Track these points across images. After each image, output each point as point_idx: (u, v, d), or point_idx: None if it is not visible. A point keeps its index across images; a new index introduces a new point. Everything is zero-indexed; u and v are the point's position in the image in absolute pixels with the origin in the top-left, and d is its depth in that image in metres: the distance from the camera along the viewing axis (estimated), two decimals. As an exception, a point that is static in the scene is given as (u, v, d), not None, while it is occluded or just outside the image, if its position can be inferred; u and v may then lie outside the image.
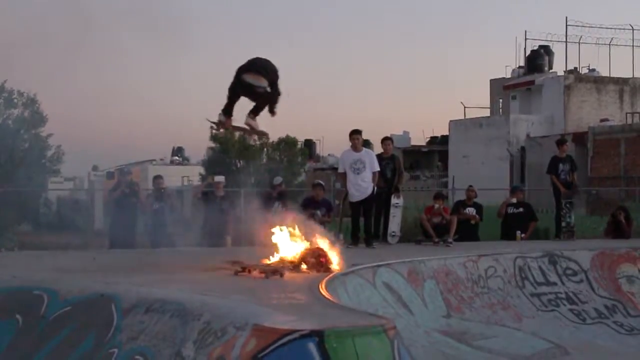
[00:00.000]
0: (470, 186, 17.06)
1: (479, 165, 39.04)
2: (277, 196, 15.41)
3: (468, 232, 15.98)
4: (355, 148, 14.07)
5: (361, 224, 14.35)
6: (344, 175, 14.24)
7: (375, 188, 14.07)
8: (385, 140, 15.55)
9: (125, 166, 16.67)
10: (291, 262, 9.61)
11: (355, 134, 14.11)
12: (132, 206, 14.98)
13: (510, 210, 16.80)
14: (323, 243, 9.81)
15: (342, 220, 15.66)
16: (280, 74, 10.51)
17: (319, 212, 15.08)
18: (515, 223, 16.56)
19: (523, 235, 16.37)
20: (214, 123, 10.89)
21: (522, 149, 39.05)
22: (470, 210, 16.34)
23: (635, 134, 34.12)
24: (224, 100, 10.55)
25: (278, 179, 16.16)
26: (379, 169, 14.17)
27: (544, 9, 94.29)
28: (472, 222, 16.25)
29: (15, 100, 51.07)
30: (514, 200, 16.98)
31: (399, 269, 11.22)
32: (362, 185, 13.96)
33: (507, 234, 16.58)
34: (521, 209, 16.86)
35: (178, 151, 61.72)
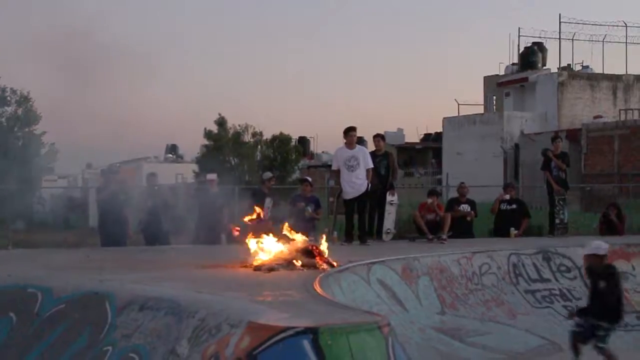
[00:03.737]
0: (462, 183, 17.08)
1: (473, 162, 39.06)
2: (268, 192, 15.43)
3: (463, 228, 15.99)
4: (349, 145, 14.07)
5: (355, 221, 14.36)
6: (337, 173, 14.23)
7: (370, 185, 14.08)
8: (376, 137, 15.55)
9: (113, 165, 16.57)
10: (285, 259, 9.61)
11: (350, 131, 14.11)
12: (121, 204, 14.91)
13: (504, 206, 16.82)
14: (314, 241, 9.84)
15: (336, 218, 15.68)
16: None
17: (309, 208, 15.12)
18: (509, 220, 16.58)
19: (516, 232, 16.40)
20: None
21: (516, 145, 39.09)
22: (465, 207, 16.35)
23: (629, 130, 34.17)
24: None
25: (268, 174, 16.20)
26: (372, 166, 14.18)
27: (537, 6, 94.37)
28: (468, 218, 16.27)
29: (9, 98, 50.91)
30: (507, 197, 17.01)
31: (393, 265, 11.23)
32: (356, 183, 13.96)
33: (501, 231, 16.60)
34: (514, 206, 16.88)
35: (172, 149, 61.54)
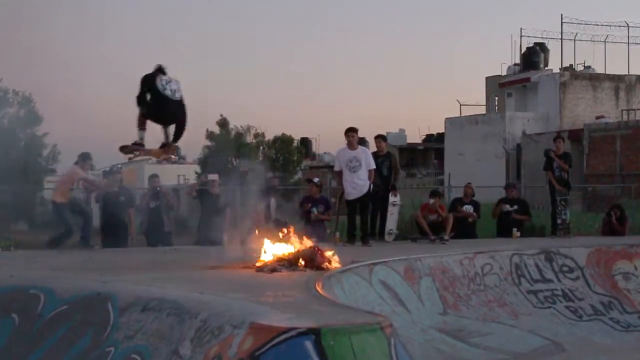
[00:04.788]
0: (469, 183, 17.06)
1: (475, 163, 39.04)
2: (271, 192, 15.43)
3: (466, 229, 15.95)
4: (350, 146, 14.05)
5: (357, 222, 14.35)
6: (340, 174, 14.23)
7: (372, 186, 14.07)
8: (377, 138, 15.54)
9: (115, 166, 16.55)
10: (287, 259, 9.61)
11: (350, 131, 14.09)
12: (121, 205, 14.89)
13: (505, 208, 16.75)
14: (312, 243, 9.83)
15: (338, 218, 15.68)
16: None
17: (315, 210, 15.11)
18: (511, 220, 16.54)
19: (519, 232, 16.34)
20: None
21: (518, 146, 39.06)
22: (468, 208, 16.32)
23: (631, 131, 34.13)
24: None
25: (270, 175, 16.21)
26: (374, 167, 14.17)
27: (539, 6, 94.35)
28: (470, 220, 16.23)
29: (11, 99, 50.96)
30: (507, 206, 16.84)
31: (396, 266, 11.23)
32: (358, 184, 13.95)
33: (503, 232, 16.56)
34: (515, 206, 16.82)
35: (174, 150, 61.54)
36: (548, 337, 11.64)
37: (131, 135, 10.11)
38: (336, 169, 14.51)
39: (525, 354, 10.93)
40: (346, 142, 14.10)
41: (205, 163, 38.82)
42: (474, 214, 16.28)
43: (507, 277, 12.80)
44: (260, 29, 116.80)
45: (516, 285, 12.77)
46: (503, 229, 16.60)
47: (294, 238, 9.99)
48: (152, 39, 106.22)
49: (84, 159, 14.59)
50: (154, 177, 16.37)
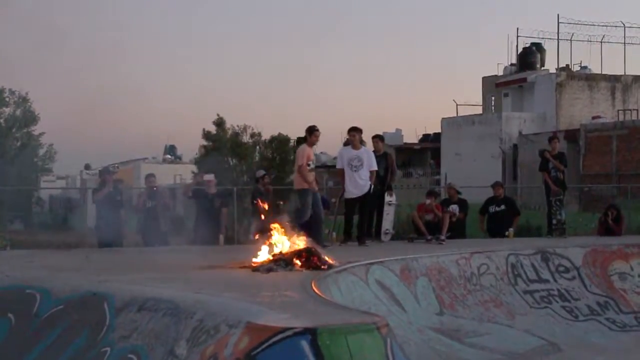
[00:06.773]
0: (449, 183, 16.99)
1: (472, 163, 39.08)
2: (264, 190, 15.43)
3: (452, 228, 15.73)
4: (354, 145, 14.05)
5: (355, 221, 14.34)
6: (341, 172, 14.21)
7: (372, 186, 14.05)
8: (375, 138, 15.52)
9: (110, 165, 16.53)
10: (284, 259, 9.60)
11: (352, 131, 14.10)
12: (117, 205, 14.86)
13: (492, 209, 16.64)
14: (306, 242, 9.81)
15: (336, 218, 15.67)
16: None
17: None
18: (500, 221, 16.45)
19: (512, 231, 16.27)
20: None
21: (515, 146, 39.11)
22: (453, 208, 16.12)
23: (627, 131, 34.20)
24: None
25: (260, 172, 16.20)
26: (376, 168, 14.16)
27: (535, 7, 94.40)
28: (453, 219, 15.99)
29: (7, 99, 50.93)
30: (495, 201, 16.74)
31: (392, 266, 11.22)
32: (359, 183, 13.94)
33: (493, 233, 16.44)
34: (503, 207, 16.69)
35: (170, 149, 61.59)
36: (544, 337, 11.65)
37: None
38: (338, 167, 14.49)
39: (522, 354, 10.94)
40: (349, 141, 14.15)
41: (202, 163, 38.78)
42: (455, 212, 15.94)
43: (503, 277, 12.79)
44: (258, 29, 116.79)
45: (512, 285, 12.76)
46: (494, 229, 16.49)
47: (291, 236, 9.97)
48: (152, 37, 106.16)
49: (311, 131, 13.23)
50: (150, 176, 16.35)
